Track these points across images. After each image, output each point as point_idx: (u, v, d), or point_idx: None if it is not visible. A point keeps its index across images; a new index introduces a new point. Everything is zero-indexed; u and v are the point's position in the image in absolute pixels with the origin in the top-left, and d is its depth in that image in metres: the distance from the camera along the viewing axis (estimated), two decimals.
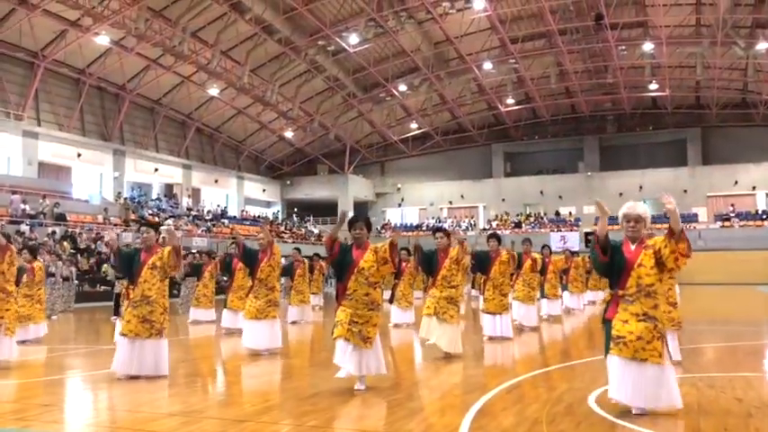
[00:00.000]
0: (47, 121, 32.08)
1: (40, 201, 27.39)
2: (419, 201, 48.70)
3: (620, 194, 41.17)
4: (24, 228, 24.12)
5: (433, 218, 46.78)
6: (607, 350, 5.51)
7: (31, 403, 6.18)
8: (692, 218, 40.48)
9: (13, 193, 27.04)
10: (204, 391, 7.14)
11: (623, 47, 34.75)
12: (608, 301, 5.78)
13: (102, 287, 23.18)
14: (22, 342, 10.11)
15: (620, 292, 5.48)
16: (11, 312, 8.17)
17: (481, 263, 11.19)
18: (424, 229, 43.94)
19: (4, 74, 29.62)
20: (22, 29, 28.28)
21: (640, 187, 41.94)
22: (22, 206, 26.44)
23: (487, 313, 11.01)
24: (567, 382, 7.01)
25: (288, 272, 15.99)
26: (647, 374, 5.29)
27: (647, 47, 34.25)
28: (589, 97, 42.77)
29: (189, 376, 7.92)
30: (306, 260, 16.91)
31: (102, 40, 29.74)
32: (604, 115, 45.40)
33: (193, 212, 37.59)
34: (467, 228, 44.26)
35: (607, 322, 5.54)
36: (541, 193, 45.56)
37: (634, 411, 5.29)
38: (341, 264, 6.75)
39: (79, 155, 32.82)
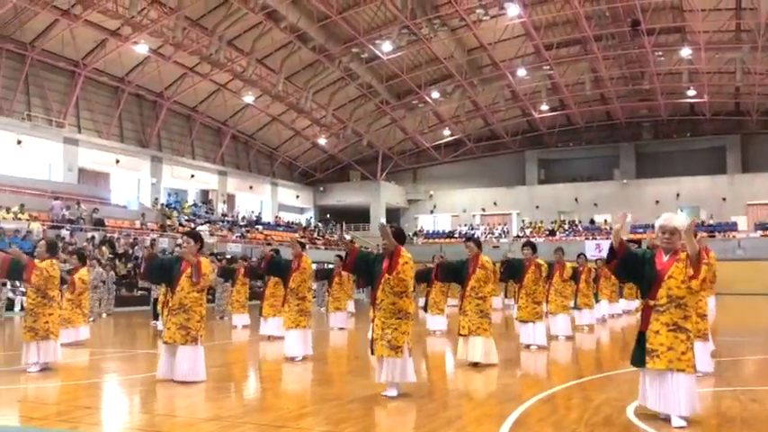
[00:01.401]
0: (87, 128, 32.81)
1: (77, 206, 27.98)
2: (451, 208, 48.55)
3: (657, 202, 40.57)
4: (65, 233, 24.67)
5: (465, 225, 46.60)
6: (634, 361, 5.58)
7: (75, 405, 6.33)
8: (731, 226, 39.68)
9: (55, 198, 27.69)
10: (240, 397, 7.23)
11: (660, 53, 34.26)
12: (641, 310, 5.78)
13: (140, 291, 23.59)
14: (65, 345, 10.36)
15: (651, 303, 5.50)
16: (54, 317, 8.36)
17: (513, 271, 11.15)
18: (456, 236, 43.83)
19: (47, 82, 30.39)
20: (64, 39, 29.00)
21: (677, 195, 41.26)
22: (63, 212, 27.06)
23: (521, 322, 10.96)
24: (604, 393, 6.92)
25: (326, 277, 16.11)
26: (683, 385, 5.28)
27: (685, 52, 33.71)
28: (625, 104, 42.23)
29: (225, 381, 8.02)
30: None
31: (141, 48, 30.33)
32: (640, 122, 44.78)
33: (228, 218, 38.04)
34: (499, 235, 44.01)
35: (641, 334, 5.55)
36: (576, 200, 45.07)
37: (674, 424, 5.24)
38: (371, 273, 6.84)
39: (118, 161, 33.49)
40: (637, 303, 21.49)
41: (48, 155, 30.48)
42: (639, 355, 5.53)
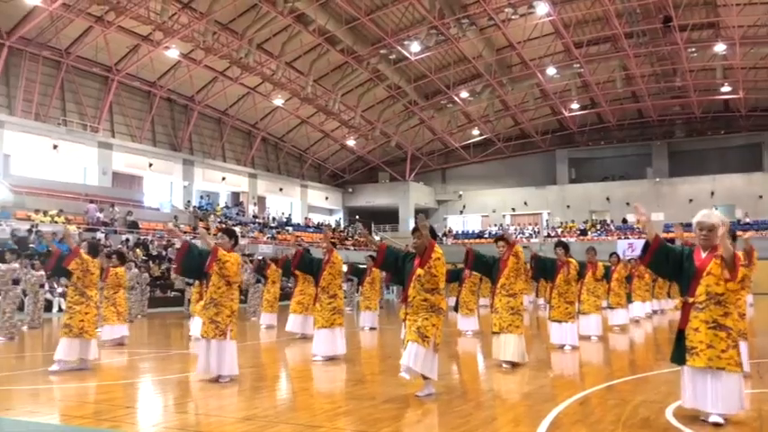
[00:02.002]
0: (120, 132, 33.37)
1: (110, 209, 28.46)
2: (481, 208, 48.32)
3: (690, 201, 39.90)
4: (100, 235, 25.11)
5: (495, 225, 46.33)
6: (673, 358, 5.52)
7: (114, 405, 6.44)
8: (767, 225, 38.84)
9: (90, 202, 28.21)
10: (275, 396, 7.29)
11: (693, 49, 33.69)
12: (680, 308, 5.71)
13: (173, 293, 23.92)
14: (102, 343, 10.56)
15: (690, 300, 5.45)
16: (90, 316, 8.51)
17: (545, 269, 11.07)
18: (486, 236, 43.58)
19: (82, 88, 30.98)
20: (97, 45, 29.54)
21: (712, 193, 40.54)
22: (98, 214, 27.55)
23: (554, 321, 10.87)
24: (641, 395, 6.83)
25: (357, 274, 16.17)
26: (724, 383, 5.22)
27: (719, 48, 33.11)
28: (657, 101, 41.60)
29: (258, 380, 8.09)
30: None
31: (172, 53, 30.75)
32: (673, 119, 44.10)
33: (259, 220, 38.36)
34: (530, 235, 43.66)
35: (680, 331, 5.48)
36: (608, 199, 44.54)
37: (711, 420, 5.19)
38: (401, 270, 6.87)
39: (150, 165, 33.99)
40: (669, 303, 21.24)
41: (83, 159, 31.07)
42: (679, 353, 5.47)
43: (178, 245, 6.56)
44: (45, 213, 25.64)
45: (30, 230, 23.43)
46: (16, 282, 13.70)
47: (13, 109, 28.30)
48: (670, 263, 5.66)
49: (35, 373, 8.57)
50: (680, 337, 5.50)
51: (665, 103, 41.83)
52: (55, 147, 29.20)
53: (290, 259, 14.90)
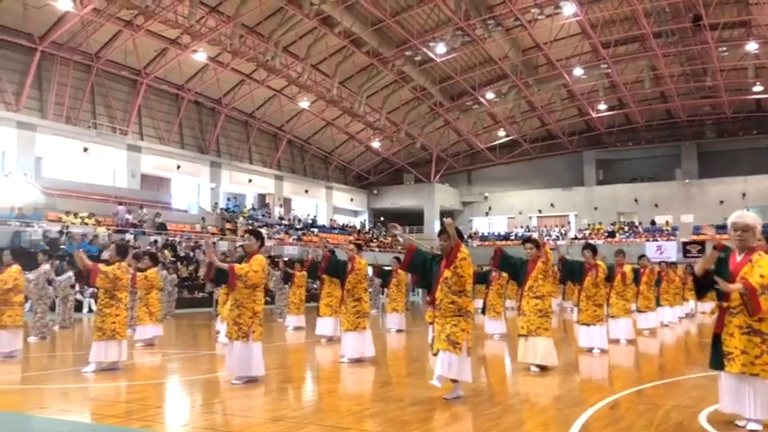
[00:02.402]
0: (149, 135, 33.80)
1: (139, 210, 28.84)
2: (507, 209, 48.04)
3: (721, 203, 39.29)
4: (129, 236, 25.45)
5: (521, 227, 46.05)
6: (712, 364, 5.41)
7: (146, 404, 6.52)
8: None
9: (119, 203, 28.61)
10: (303, 397, 7.31)
11: (724, 48, 33.16)
12: (715, 312, 5.59)
13: (201, 294, 24.14)
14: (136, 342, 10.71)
15: (725, 305, 5.34)
16: (121, 318, 8.62)
17: (572, 272, 10.96)
18: (512, 238, 43.34)
19: (111, 91, 31.45)
20: (126, 49, 29.96)
21: (743, 195, 39.82)
22: (127, 216, 27.93)
23: (582, 324, 10.76)
24: (673, 399, 6.72)
25: (383, 276, 16.17)
26: (759, 389, 5.13)
27: (751, 47, 32.54)
28: (686, 101, 41.01)
29: (286, 382, 8.13)
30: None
31: (200, 56, 31.07)
32: (703, 120, 43.43)
33: (285, 221, 38.57)
34: (557, 237, 43.28)
35: (716, 336, 5.37)
36: (636, 201, 44.01)
37: (749, 427, 5.09)
38: (428, 273, 6.84)
39: (178, 167, 34.38)
40: (700, 307, 20.91)
41: (112, 161, 31.52)
42: (717, 359, 5.36)
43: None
44: (75, 215, 26.05)
45: (61, 232, 23.83)
46: (49, 282, 13.93)
47: (45, 113, 28.83)
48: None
49: (67, 373, 8.71)
50: (716, 342, 5.39)
51: (694, 103, 41.22)
52: (85, 149, 29.67)
53: (316, 261, 14.97)
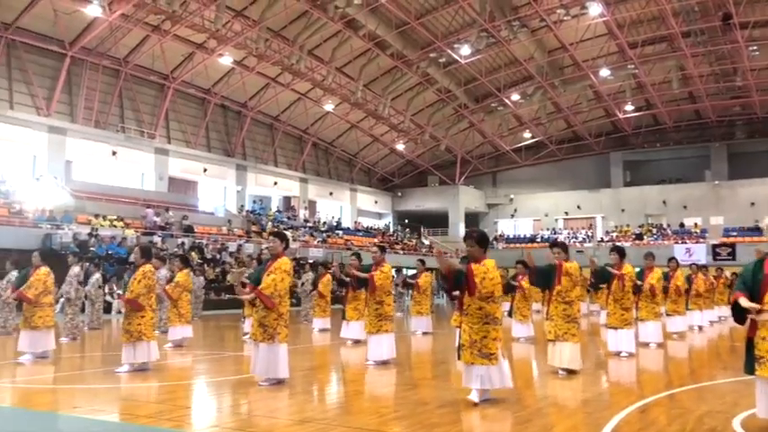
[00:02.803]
0: (176, 138, 34.19)
1: (165, 213, 29.16)
2: (533, 212, 47.71)
3: (752, 204, 38.68)
4: (156, 239, 25.74)
5: (547, 229, 45.70)
6: (746, 368, 5.30)
7: (176, 405, 6.58)
8: None
9: (147, 206, 28.96)
10: (329, 399, 7.32)
11: (755, 47, 32.58)
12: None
13: (227, 296, 24.31)
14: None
15: (758, 307, 5.20)
16: (147, 319, 8.69)
17: (602, 278, 10.83)
18: (538, 240, 43.04)
19: (139, 95, 31.88)
20: (154, 53, 30.34)
21: None
22: (155, 219, 28.26)
23: (610, 328, 10.63)
24: (705, 404, 6.61)
25: (410, 286, 16.13)
26: None
27: None
28: (716, 102, 40.38)
29: (312, 384, 8.15)
30: (430, 272, 16.95)
31: (226, 60, 31.36)
32: (733, 120, 42.73)
33: (309, 224, 38.73)
34: (584, 239, 42.92)
35: (749, 340, 5.26)
36: (664, 203, 43.44)
37: None
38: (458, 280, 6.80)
39: (205, 170, 34.71)
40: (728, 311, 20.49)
41: (140, 164, 31.93)
42: (750, 363, 5.25)
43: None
44: (104, 218, 26.42)
45: (90, 234, 24.18)
46: (79, 284, 14.13)
47: (75, 117, 29.30)
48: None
49: (97, 373, 8.83)
50: (750, 345, 5.29)
51: (724, 103, 40.58)
52: (114, 153, 30.10)
53: (343, 265, 15.00)
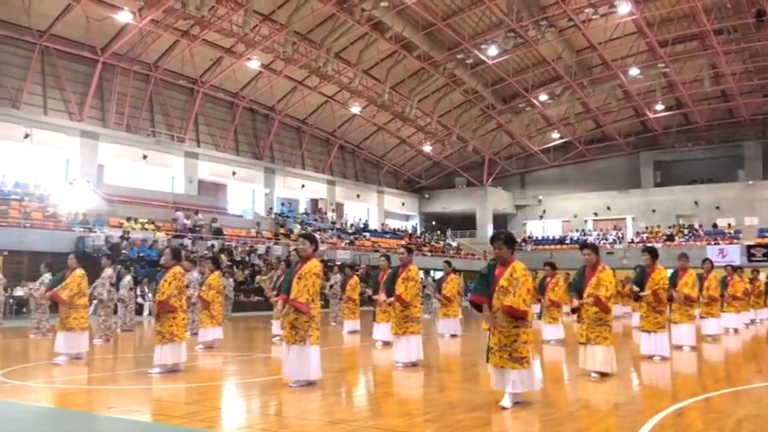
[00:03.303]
0: (205, 142, 34.57)
1: (194, 216, 29.48)
2: (562, 213, 47.28)
3: None
4: (186, 242, 26.04)
5: (577, 230, 45.24)
6: None
7: (206, 406, 6.64)
8: None
9: (177, 209, 29.31)
10: (360, 401, 7.32)
11: None
12: None
13: (256, 297, 24.49)
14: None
15: None
16: (178, 320, 8.77)
17: (637, 281, 10.65)
18: (567, 242, 42.65)
19: (169, 100, 32.30)
20: (183, 58, 30.74)
21: None
22: (185, 221, 28.58)
23: (643, 331, 10.47)
24: (743, 408, 6.48)
25: (438, 289, 16.11)
26: None
27: None
28: (749, 100, 39.65)
29: (342, 385, 8.16)
30: (457, 274, 16.89)
31: (254, 64, 31.63)
32: (767, 118, 41.89)
33: (337, 226, 38.85)
34: (614, 241, 42.41)
35: None
36: (696, 203, 42.74)
37: None
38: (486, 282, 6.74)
39: (234, 173, 35.02)
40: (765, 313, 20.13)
41: (170, 168, 32.33)
42: None
43: None
44: (135, 221, 26.80)
45: (122, 237, 24.55)
46: (113, 286, 14.35)
47: (107, 121, 29.80)
48: None
49: (130, 374, 8.95)
50: None
51: (758, 101, 39.83)
52: (144, 157, 30.52)
53: (370, 266, 15.01)
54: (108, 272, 13.92)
